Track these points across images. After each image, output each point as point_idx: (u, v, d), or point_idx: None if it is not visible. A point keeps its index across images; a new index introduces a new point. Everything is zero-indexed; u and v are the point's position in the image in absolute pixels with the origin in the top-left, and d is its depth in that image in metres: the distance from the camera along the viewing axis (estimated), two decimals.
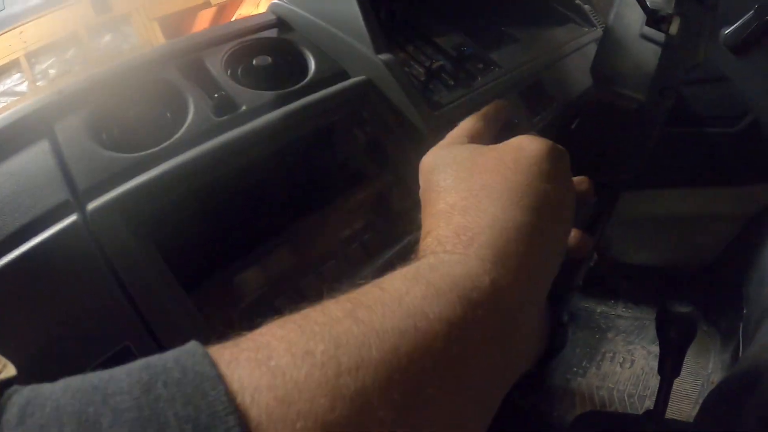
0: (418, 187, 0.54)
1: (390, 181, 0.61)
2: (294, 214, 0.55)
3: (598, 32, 1.09)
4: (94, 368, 0.44)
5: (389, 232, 0.59)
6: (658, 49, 0.89)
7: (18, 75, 2.59)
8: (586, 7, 1.13)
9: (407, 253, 0.58)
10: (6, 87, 2.57)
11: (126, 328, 0.43)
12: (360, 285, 0.26)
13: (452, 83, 0.74)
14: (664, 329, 0.69)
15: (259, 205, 0.55)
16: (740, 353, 0.97)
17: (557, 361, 1.10)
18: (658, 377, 0.83)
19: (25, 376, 0.42)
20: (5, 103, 2.55)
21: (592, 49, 1.05)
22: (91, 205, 0.44)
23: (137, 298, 0.43)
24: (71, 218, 0.44)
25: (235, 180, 0.53)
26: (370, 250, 0.56)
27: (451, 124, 0.69)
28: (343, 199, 0.58)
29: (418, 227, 0.35)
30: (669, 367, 0.70)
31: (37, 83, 2.57)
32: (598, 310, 1.22)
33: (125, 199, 0.45)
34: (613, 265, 1.22)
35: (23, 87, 2.56)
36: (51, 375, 0.42)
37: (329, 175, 0.62)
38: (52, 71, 2.57)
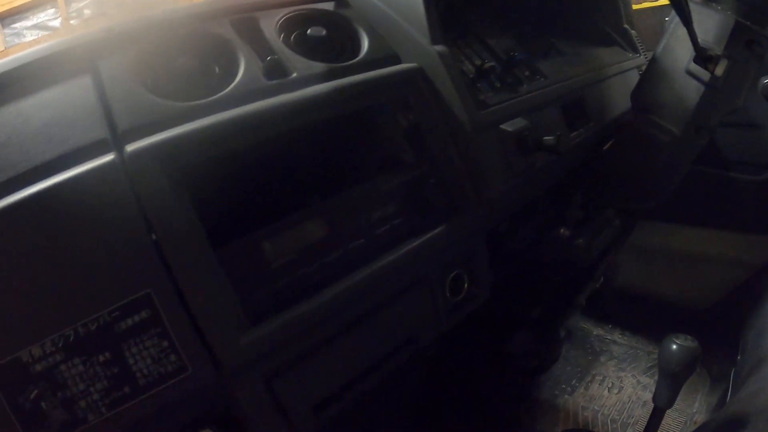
0: (453, 180, 0.53)
1: (426, 171, 0.60)
2: (328, 189, 0.53)
3: (641, 60, 1.07)
4: (111, 312, 0.43)
5: (420, 221, 0.58)
6: (701, 88, 0.87)
7: (53, 10, 2.55)
8: (633, 32, 1.12)
9: (434, 244, 0.58)
10: (39, 20, 2.53)
11: (149, 276, 0.41)
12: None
13: (498, 86, 0.73)
14: (666, 359, 0.69)
15: (296, 174, 0.53)
16: (728, 398, 0.97)
17: (547, 375, 1.09)
18: (644, 407, 0.83)
19: (42, 315, 0.41)
20: (36, 36, 2.52)
21: (633, 75, 1.04)
22: (130, 147, 0.43)
23: (165, 246, 0.42)
24: (108, 157, 0.42)
25: (276, 146, 0.51)
26: (399, 235, 0.55)
27: (494, 126, 0.68)
28: (379, 181, 0.57)
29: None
30: (665, 397, 0.70)
31: (71, 21, 2.53)
32: (594, 333, 1.21)
33: (167, 145, 0.44)
34: (616, 291, 1.21)
35: (56, 23, 2.53)
36: (69, 315, 0.42)
37: (367, 156, 0.61)
38: (87, 12, 2.53)
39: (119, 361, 0.41)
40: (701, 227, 1.11)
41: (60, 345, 0.40)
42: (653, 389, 1.12)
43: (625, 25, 1.09)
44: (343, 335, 0.51)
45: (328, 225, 0.51)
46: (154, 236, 0.42)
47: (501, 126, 0.67)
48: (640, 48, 1.10)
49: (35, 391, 0.40)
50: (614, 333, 1.22)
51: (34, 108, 0.45)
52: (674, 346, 0.68)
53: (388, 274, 0.52)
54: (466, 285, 0.63)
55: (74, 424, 0.41)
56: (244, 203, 0.49)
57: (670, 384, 0.69)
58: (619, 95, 0.95)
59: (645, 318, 1.21)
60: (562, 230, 0.79)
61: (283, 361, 0.47)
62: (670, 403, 0.71)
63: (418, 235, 0.56)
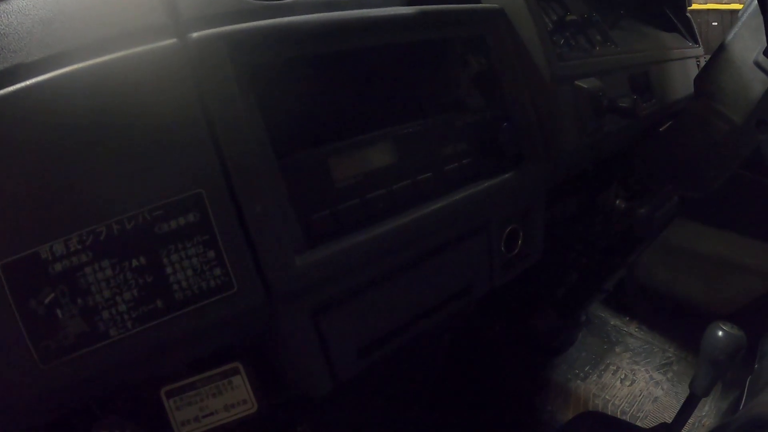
0: (524, 130, 0.45)
1: (498, 116, 0.52)
2: (399, 117, 0.46)
3: (699, 50, 0.99)
4: (153, 211, 0.36)
5: (488, 165, 0.50)
6: (767, 81, 0.80)
7: None
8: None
9: (501, 190, 0.51)
10: None
11: (203, 174, 0.33)
12: None
13: (573, 43, 0.65)
14: (711, 345, 0.62)
15: (367, 97, 0.45)
16: (741, 405, 0.92)
17: (562, 358, 1.04)
18: (655, 403, 0.77)
19: (72, 206, 0.34)
20: None
21: (691, 65, 0.97)
22: (197, 35, 0.35)
23: (224, 144, 0.34)
24: (170, 41, 0.34)
25: (349, 64, 0.44)
26: (466, 175, 0.48)
27: (570, 81, 0.61)
28: (452, 117, 0.49)
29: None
30: (704, 385, 0.63)
31: None
32: (612, 323, 1.15)
33: (237, 37, 0.36)
34: (638, 285, 1.15)
35: None
36: (103, 209, 0.34)
37: (435, 94, 0.53)
38: None
39: (155, 269, 0.33)
40: (732, 232, 1.04)
41: (88, 243, 0.32)
42: (665, 386, 1.07)
43: (688, 14, 1.01)
44: (398, 276, 0.44)
45: (396, 152, 0.43)
46: (213, 132, 0.34)
47: (576, 82, 0.59)
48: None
49: (51, 295, 0.32)
50: (631, 326, 1.16)
51: None
52: (720, 333, 0.61)
53: (453, 214, 0.45)
54: (520, 241, 0.55)
55: (92, 338, 0.33)
56: (311, 117, 0.41)
57: (711, 372, 0.63)
58: (680, 81, 0.88)
59: (664, 316, 1.15)
60: (618, 201, 0.72)
61: (333, 294, 0.40)
62: (707, 392, 0.64)
63: (485, 178, 0.49)
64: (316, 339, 0.39)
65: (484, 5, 0.55)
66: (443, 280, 0.48)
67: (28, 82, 0.32)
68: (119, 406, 0.41)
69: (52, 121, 0.31)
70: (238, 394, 0.41)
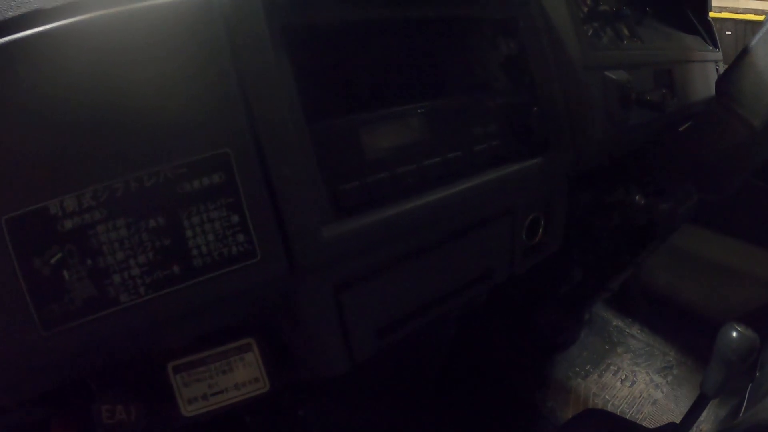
0: (552, 116, 0.43)
1: (528, 100, 0.50)
2: (430, 93, 0.44)
3: (719, 55, 0.98)
4: (176, 169, 0.33)
5: (516, 148, 0.48)
6: None
7: None
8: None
9: (529, 174, 0.50)
10: None
11: (231, 133, 0.31)
12: None
13: (602, 34, 0.63)
14: (724, 345, 0.61)
15: (399, 68, 0.43)
16: (741, 413, 0.91)
17: (563, 356, 1.03)
18: (654, 406, 0.76)
19: (88, 158, 0.31)
20: None
21: (711, 69, 0.96)
22: None
23: (255, 103, 0.32)
24: None
25: (383, 33, 0.42)
26: (495, 157, 0.46)
27: (600, 70, 0.59)
28: (483, 96, 0.47)
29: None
30: (715, 385, 0.62)
31: None
32: (614, 323, 1.15)
33: None
34: (642, 287, 1.15)
35: None
36: (121, 163, 0.31)
37: (466, 75, 0.51)
38: None
39: (174, 232, 0.31)
40: (738, 240, 1.03)
41: (102, 199, 0.29)
42: (665, 389, 1.07)
43: (709, 18, 1.00)
44: (421, 256, 0.42)
45: (428, 127, 0.41)
46: (244, 90, 0.32)
47: (606, 72, 0.57)
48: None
49: (59, 255, 0.30)
50: (633, 327, 1.15)
51: None
52: (734, 333, 0.60)
53: (481, 195, 0.43)
54: (541, 230, 0.54)
55: (101, 303, 0.30)
56: (343, 85, 0.39)
57: (723, 372, 0.62)
58: (701, 82, 0.87)
59: (666, 319, 1.14)
60: (638, 197, 0.71)
61: (356, 270, 0.38)
62: (718, 393, 0.63)
63: (514, 162, 0.47)
64: (336, 315, 0.37)
65: None
66: (465, 263, 0.46)
67: (48, 26, 0.29)
68: (123, 380, 0.39)
69: (72, 68, 0.29)
70: (250, 372, 0.39)
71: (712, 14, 1.55)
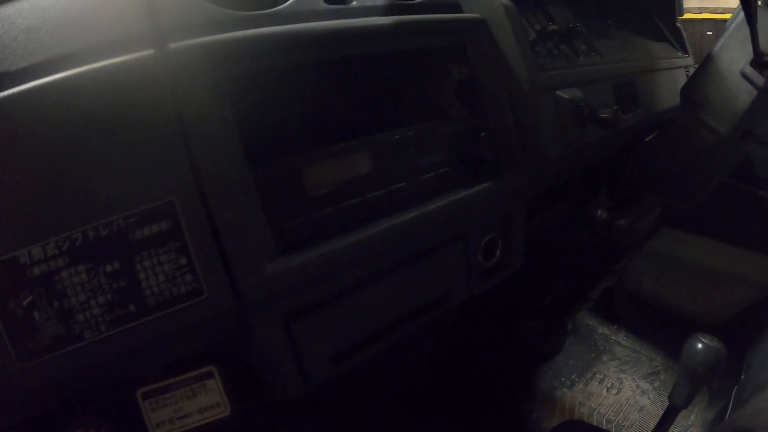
0: (504, 140, 0.45)
1: (478, 126, 0.53)
2: (375, 127, 0.47)
3: (689, 60, 1.00)
4: (127, 218, 0.36)
5: (467, 174, 0.51)
6: (754, 92, 0.80)
7: None
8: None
9: (479, 200, 0.52)
10: None
11: (176, 182, 0.34)
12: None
13: (556, 53, 0.66)
14: (690, 357, 0.63)
15: (343, 107, 0.46)
16: (727, 416, 0.92)
17: (548, 366, 1.04)
18: (641, 413, 0.78)
19: (50, 212, 0.34)
20: None
21: (680, 75, 0.97)
22: (175, 45, 0.36)
23: (197, 152, 0.35)
24: (149, 51, 0.35)
25: (326, 74, 0.45)
26: (443, 185, 0.48)
27: (551, 91, 0.62)
28: (430, 126, 0.50)
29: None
30: (683, 397, 0.64)
31: None
32: (599, 331, 1.16)
33: (215, 47, 0.37)
34: (627, 293, 1.16)
35: None
36: (79, 216, 0.35)
37: (415, 104, 0.54)
38: None
39: (128, 275, 0.34)
40: (722, 242, 1.04)
41: (65, 248, 0.33)
42: (651, 396, 1.07)
43: (678, 24, 1.02)
44: (373, 284, 0.44)
45: (372, 161, 0.44)
46: (187, 142, 0.35)
47: (557, 92, 0.60)
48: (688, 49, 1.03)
49: (29, 298, 0.33)
50: (619, 334, 1.16)
51: None
52: (699, 345, 0.62)
53: (429, 223, 0.46)
54: (498, 251, 0.56)
55: (68, 339, 0.34)
56: (287, 126, 0.42)
57: (690, 384, 0.63)
58: (668, 91, 0.88)
59: (652, 325, 1.15)
60: (599, 212, 0.73)
61: (305, 302, 0.40)
62: (686, 404, 0.65)
63: (463, 187, 0.49)
64: (287, 345, 0.40)
65: (465, 15, 0.56)
66: (419, 288, 0.49)
67: (11, 91, 0.33)
68: (96, 406, 0.42)
69: (32, 129, 0.32)
70: (211, 398, 0.42)
71: (691, 15, 1.57)
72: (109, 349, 0.35)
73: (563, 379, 1.04)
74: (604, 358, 1.11)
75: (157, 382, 0.42)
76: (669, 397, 0.65)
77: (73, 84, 0.33)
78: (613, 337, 1.15)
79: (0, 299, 0.32)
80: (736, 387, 0.93)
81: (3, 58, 0.35)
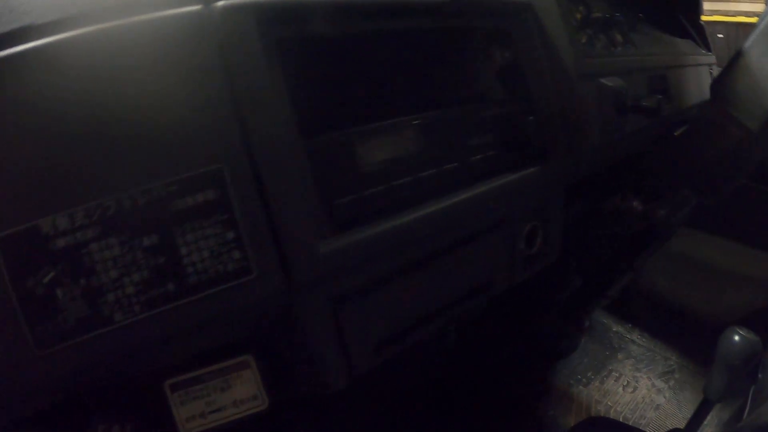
0: (548, 125, 0.43)
1: (524, 109, 0.50)
2: (425, 105, 0.44)
3: (712, 58, 0.99)
4: (168, 186, 0.33)
5: (512, 158, 0.49)
6: None
7: None
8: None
9: (527, 183, 0.50)
10: None
11: (224, 149, 0.31)
12: None
13: (596, 42, 0.64)
14: (726, 349, 0.61)
15: (393, 81, 0.43)
16: (744, 415, 0.91)
17: (564, 363, 1.02)
18: (657, 411, 0.76)
19: (80, 176, 0.31)
20: None
21: (704, 73, 0.96)
22: (222, 3, 0.32)
23: (249, 119, 0.32)
24: (194, 7, 0.32)
25: (374, 46, 0.42)
26: (491, 167, 0.46)
27: (595, 78, 0.60)
28: (477, 107, 0.47)
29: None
30: (718, 390, 0.62)
31: None
32: (614, 329, 1.15)
33: (264, 9, 0.34)
34: (642, 292, 1.15)
35: None
36: (113, 181, 0.30)
37: (460, 86, 0.51)
38: None
39: (168, 250, 0.30)
40: (738, 242, 1.04)
41: (95, 217, 0.29)
42: (667, 394, 1.06)
43: (701, 21, 1.01)
44: (420, 268, 0.42)
45: (423, 140, 0.41)
46: (237, 105, 0.31)
47: (601, 80, 0.58)
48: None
49: (51, 274, 0.29)
50: (633, 333, 1.15)
51: None
52: (736, 337, 0.60)
53: (478, 206, 0.43)
54: (539, 240, 0.54)
55: (95, 322, 0.30)
56: (337, 98, 0.39)
57: (726, 376, 0.62)
58: (694, 86, 0.87)
59: (666, 323, 1.14)
60: (635, 203, 0.71)
61: (354, 285, 0.37)
62: (721, 397, 0.63)
63: (510, 171, 0.47)
64: (334, 330, 0.37)
65: None
66: (465, 274, 0.46)
67: (39, 42, 0.29)
68: (119, 398, 0.38)
69: (63, 84, 0.29)
70: (248, 389, 0.38)
71: (703, 17, 1.57)
72: (141, 335, 0.31)
73: (579, 377, 1.02)
74: (620, 356, 1.10)
75: (187, 372, 0.38)
76: (704, 390, 0.64)
77: (112, 35, 0.30)
78: (628, 336, 1.14)
79: (17, 275, 0.28)
80: (753, 386, 0.92)
81: (30, 10, 0.31)
